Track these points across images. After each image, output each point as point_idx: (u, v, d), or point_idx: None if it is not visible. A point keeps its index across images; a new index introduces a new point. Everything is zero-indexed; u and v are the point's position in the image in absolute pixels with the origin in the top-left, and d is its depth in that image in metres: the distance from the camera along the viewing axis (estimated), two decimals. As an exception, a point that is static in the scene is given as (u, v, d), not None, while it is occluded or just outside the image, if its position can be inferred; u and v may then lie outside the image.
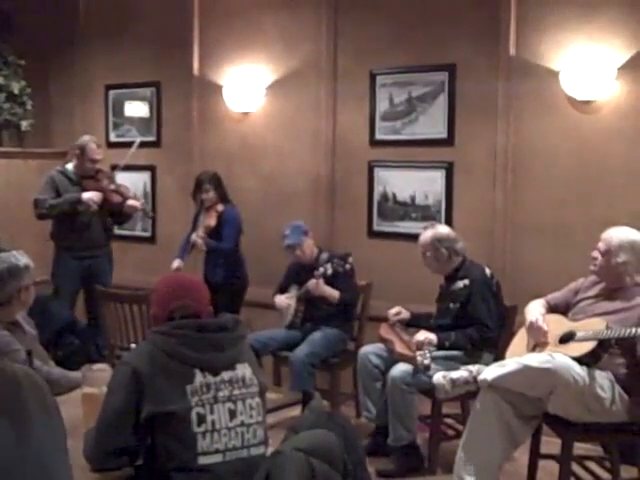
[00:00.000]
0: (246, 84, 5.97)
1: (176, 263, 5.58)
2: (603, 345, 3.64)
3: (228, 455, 2.46)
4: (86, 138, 5.64)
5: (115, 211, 5.69)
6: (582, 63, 4.71)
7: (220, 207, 5.52)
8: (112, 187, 5.61)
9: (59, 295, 5.58)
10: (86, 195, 5.45)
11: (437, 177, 5.33)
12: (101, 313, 5.25)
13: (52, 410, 1.90)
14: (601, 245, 3.86)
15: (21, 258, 3.42)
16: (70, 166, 5.62)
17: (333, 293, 4.97)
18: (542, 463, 4.09)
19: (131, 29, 6.60)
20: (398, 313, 4.64)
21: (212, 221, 5.48)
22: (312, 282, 4.95)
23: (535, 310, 3.98)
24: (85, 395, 2.91)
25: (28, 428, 1.79)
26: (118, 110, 6.78)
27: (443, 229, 4.64)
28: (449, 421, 4.76)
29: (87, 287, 5.66)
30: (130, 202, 5.65)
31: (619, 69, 4.67)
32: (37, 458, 1.78)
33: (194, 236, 5.49)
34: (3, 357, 3.00)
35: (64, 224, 5.52)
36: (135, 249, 6.68)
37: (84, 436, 2.54)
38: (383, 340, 4.56)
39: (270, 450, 2.52)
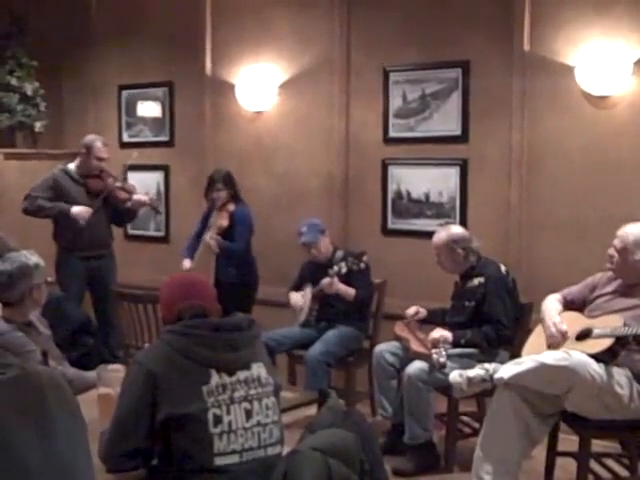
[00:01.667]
0: (259, 83, 5.96)
1: (187, 264, 5.55)
2: (620, 342, 3.61)
3: (245, 455, 2.45)
4: (92, 137, 5.62)
5: (121, 208, 5.66)
6: (597, 58, 4.67)
7: (232, 207, 5.49)
8: (117, 184, 5.59)
9: (66, 296, 5.56)
10: (75, 210, 5.38)
11: (451, 174, 5.31)
12: (115, 313, 5.24)
13: (74, 410, 1.91)
14: (617, 243, 3.82)
15: (31, 257, 3.44)
16: (72, 166, 5.59)
17: (349, 291, 4.96)
18: (560, 461, 4.07)
19: (143, 29, 6.61)
20: (416, 313, 4.62)
21: (225, 222, 5.44)
22: (326, 281, 4.93)
23: (552, 310, 3.93)
24: (100, 396, 2.91)
25: (51, 428, 1.80)
26: (131, 110, 6.79)
27: (457, 229, 4.62)
28: (465, 419, 4.74)
29: (93, 288, 5.65)
30: (137, 197, 5.63)
31: (635, 64, 4.63)
32: (60, 458, 1.79)
33: (207, 237, 5.46)
34: (19, 358, 3.01)
35: (67, 224, 5.45)
36: (149, 249, 6.69)
37: (99, 437, 2.53)
38: (398, 338, 4.55)
39: (286, 450, 2.51)
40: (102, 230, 5.62)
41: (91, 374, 3.33)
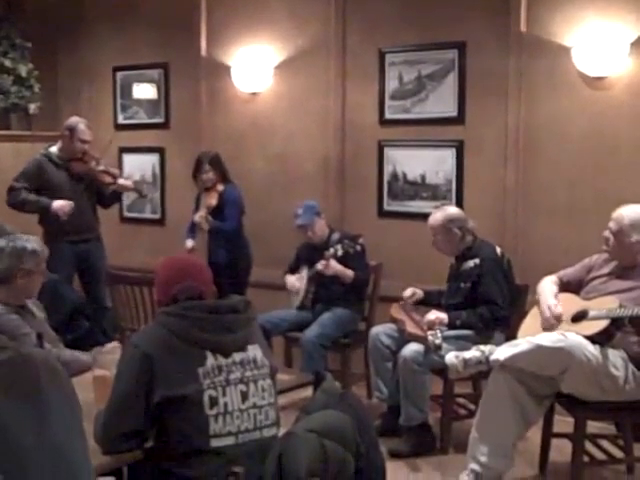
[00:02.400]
0: (254, 64, 5.93)
1: (190, 243, 5.56)
2: (616, 323, 3.63)
3: (241, 437, 2.45)
4: (76, 119, 5.53)
5: (105, 192, 5.61)
6: (594, 39, 4.65)
7: (220, 187, 5.48)
8: (101, 168, 5.50)
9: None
10: (56, 204, 5.28)
11: (447, 156, 5.29)
12: (106, 296, 5.22)
13: (69, 393, 1.91)
14: (612, 225, 3.82)
15: (29, 242, 3.42)
16: (54, 149, 5.50)
17: (347, 272, 4.95)
18: (555, 442, 4.10)
19: (138, 10, 6.56)
20: (413, 295, 4.62)
21: (213, 200, 5.44)
22: (321, 263, 4.92)
23: (548, 292, 3.93)
24: (96, 377, 2.91)
25: (46, 411, 1.80)
26: (126, 92, 6.75)
27: (452, 209, 4.62)
28: (461, 401, 4.75)
29: (82, 272, 5.60)
30: (121, 181, 5.57)
31: (632, 44, 4.61)
32: (54, 440, 1.79)
33: (196, 217, 5.46)
34: (14, 341, 3.01)
35: (44, 213, 5.38)
36: (145, 231, 6.68)
37: (95, 419, 2.53)
38: (394, 320, 4.55)
39: (282, 431, 2.51)
40: (87, 214, 5.54)
41: (86, 356, 3.33)
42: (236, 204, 5.49)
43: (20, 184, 5.36)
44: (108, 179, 5.53)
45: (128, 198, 6.40)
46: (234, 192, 5.52)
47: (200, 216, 5.43)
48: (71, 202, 5.32)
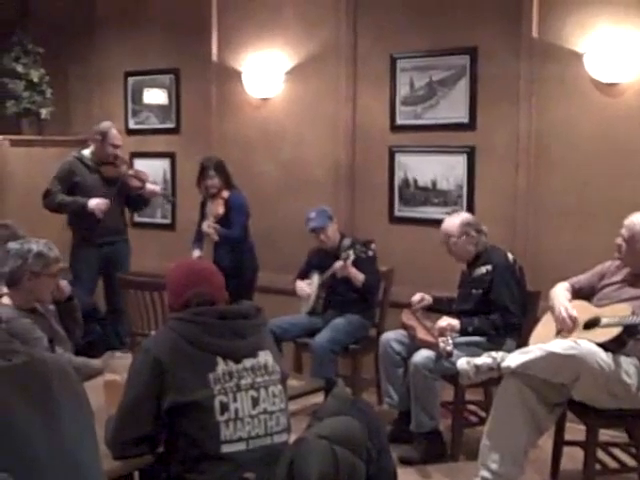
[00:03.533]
0: (265, 70, 5.93)
1: (197, 253, 5.56)
2: (628, 331, 3.60)
3: (251, 443, 2.45)
4: (107, 124, 5.64)
5: (134, 197, 5.69)
6: (606, 45, 4.63)
7: (226, 193, 5.48)
8: (131, 172, 5.63)
9: (77, 283, 5.57)
10: (93, 202, 5.38)
11: (459, 162, 5.28)
12: (122, 300, 5.24)
13: (81, 397, 1.91)
14: (624, 232, 3.80)
15: (37, 245, 3.42)
16: (87, 152, 5.60)
17: (358, 275, 4.94)
18: (567, 450, 4.07)
19: (149, 15, 6.58)
20: (421, 300, 4.61)
21: (220, 209, 5.45)
22: (339, 263, 4.91)
23: (561, 297, 3.92)
24: (107, 382, 2.91)
25: (58, 416, 1.80)
26: (137, 97, 6.77)
27: (466, 214, 4.65)
28: (472, 407, 4.74)
29: (106, 275, 5.66)
30: (149, 187, 5.67)
31: (644, 50, 4.60)
32: (66, 445, 1.79)
33: (205, 226, 5.45)
34: (26, 345, 3.01)
35: (81, 212, 5.48)
36: (155, 236, 6.68)
37: (105, 423, 2.53)
38: (405, 326, 4.54)
39: (293, 437, 2.50)
40: (116, 217, 5.64)
41: (96, 361, 3.33)
42: (241, 210, 5.50)
43: (55, 187, 5.47)
44: (137, 183, 5.62)
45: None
46: (239, 198, 5.52)
47: (209, 226, 5.42)
48: (106, 200, 5.42)
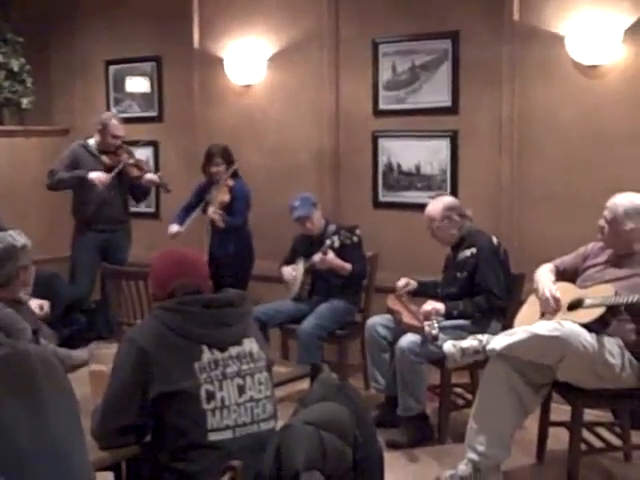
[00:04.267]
0: (247, 56, 5.91)
1: (175, 228, 5.58)
2: (612, 311, 3.63)
3: (238, 431, 2.45)
4: (109, 114, 5.79)
5: (134, 186, 5.76)
6: (588, 27, 4.64)
7: (231, 182, 5.49)
8: (131, 161, 5.69)
9: (77, 269, 5.69)
10: (93, 174, 5.50)
11: (442, 146, 5.29)
12: (107, 290, 5.24)
13: (66, 388, 1.91)
14: (607, 214, 3.82)
15: (18, 238, 3.40)
16: (92, 141, 5.70)
17: (344, 266, 4.94)
18: (552, 430, 4.10)
19: (130, 3, 6.54)
20: (406, 285, 4.62)
21: (226, 196, 5.45)
22: (317, 256, 4.92)
23: (545, 278, 3.94)
24: (92, 372, 2.90)
25: (43, 407, 1.80)
26: (119, 86, 6.73)
27: (448, 197, 4.66)
28: (458, 390, 4.76)
29: (104, 262, 5.68)
30: (148, 176, 5.73)
31: (626, 32, 4.60)
32: (51, 436, 1.79)
33: (211, 212, 5.44)
34: (10, 336, 3.00)
35: (83, 199, 5.61)
36: (139, 225, 6.63)
37: (91, 414, 2.53)
38: (390, 311, 4.55)
39: (279, 424, 2.51)
40: (116, 206, 5.73)
41: (80, 352, 3.32)
42: (245, 199, 5.51)
43: (58, 167, 5.59)
44: (136, 172, 5.69)
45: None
46: (244, 187, 5.54)
47: (214, 212, 5.41)
48: (108, 174, 5.52)
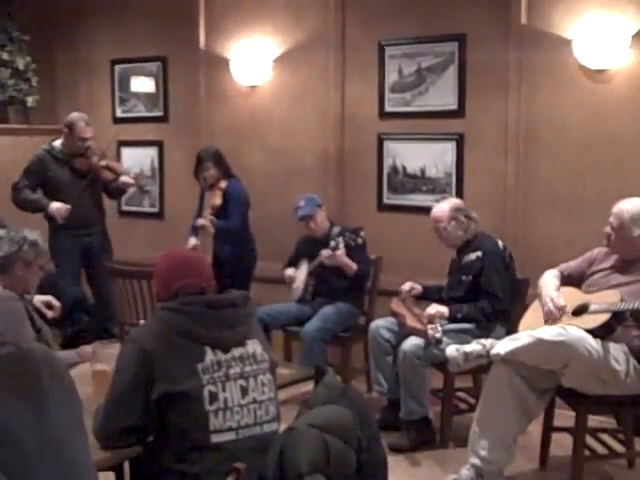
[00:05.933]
0: (253, 57, 5.90)
1: (193, 241, 5.49)
2: (617, 317, 3.61)
3: (241, 433, 2.44)
4: (75, 115, 5.49)
5: (109, 187, 5.63)
6: (595, 31, 4.63)
7: (223, 184, 5.44)
8: (103, 164, 5.51)
9: (61, 273, 5.53)
10: (53, 207, 5.33)
11: (447, 149, 5.27)
12: (110, 290, 5.21)
13: (69, 387, 1.90)
14: (613, 220, 3.79)
15: (31, 234, 3.42)
16: (57, 143, 5.51)
17: (350, 264, 4.92)
18: (556, 436, 4.08)
19: (136, 3, 6.54)
20: (411, 289, 4.60)
21: (217, 200, 5.41)
22: (326, 251, 4.89)
23: (549, 286, 3.91)
24: (95, 372, 2.90)
25: (46, 407, 1.79)
26: (124, 85, 6.73)
27: (455, 199, 4.66)
28: (461, 394, 4.74)
29: (87, 265, 5.62)
30: (123, 178, 5.60)
31: (633, 37, 4.59)
32: (54, 435, 1.78)
33: (199, 221, 5.41)
34: (13, 332, 3.00)
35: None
36: (143, 225, 6.66)
37: (94, 413, 2.52)
38: (394, 314, 4.54)
39: (283, 426, 2.50)
40: (89, 209, 5.55)
41: (69, 353, 3.31)
42: (240, 200, 5.45)
43: (23, 182, 5.40)
44: (109, 175, 5.54)
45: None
46: (237, 188, 5.47)
47: (204, 218, 5.38)
48: (68, 206, 5.35)
